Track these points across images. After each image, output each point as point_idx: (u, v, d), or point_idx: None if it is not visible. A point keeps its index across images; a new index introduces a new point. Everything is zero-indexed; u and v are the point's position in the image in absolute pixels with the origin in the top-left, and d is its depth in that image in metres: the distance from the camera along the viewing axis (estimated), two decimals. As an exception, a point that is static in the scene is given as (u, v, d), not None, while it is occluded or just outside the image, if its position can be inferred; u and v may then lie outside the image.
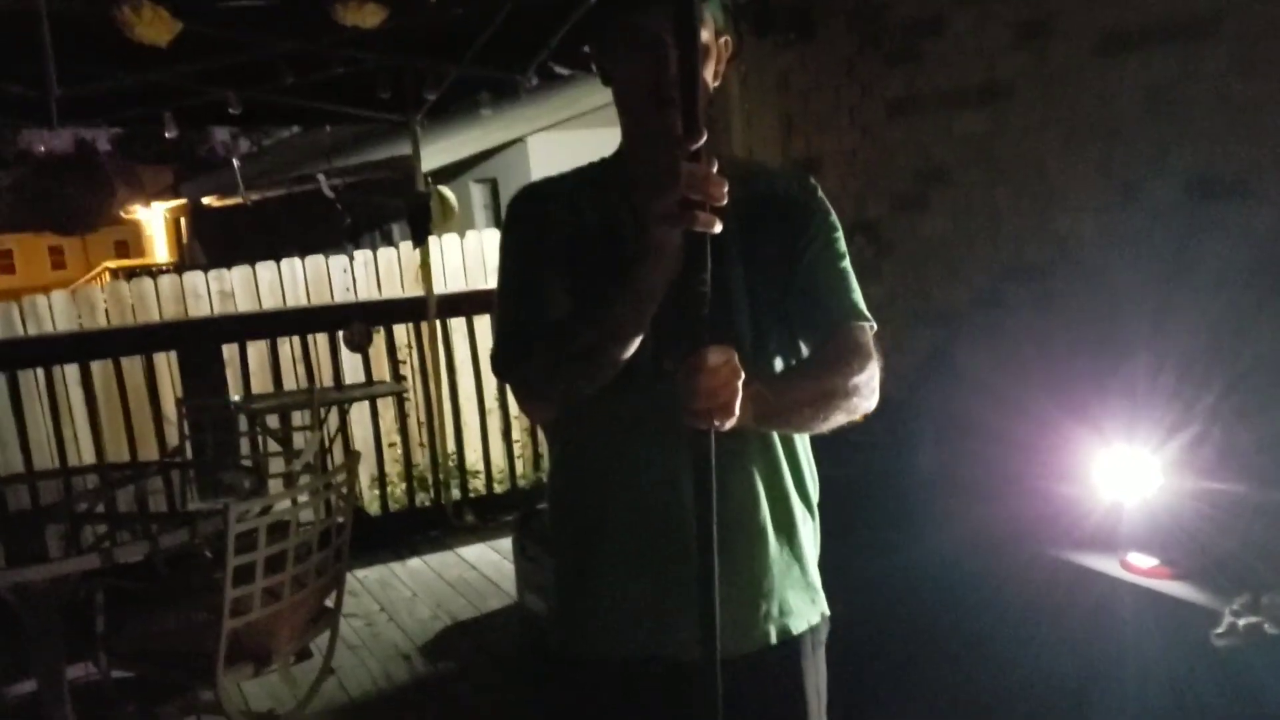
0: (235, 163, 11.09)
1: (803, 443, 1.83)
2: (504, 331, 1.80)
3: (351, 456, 3.51)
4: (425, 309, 5.96)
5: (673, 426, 1.52)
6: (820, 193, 1.83)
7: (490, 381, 6.28)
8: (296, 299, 7.54)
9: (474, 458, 6.42)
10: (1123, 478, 3.00)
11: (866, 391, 1.69)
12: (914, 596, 3.26)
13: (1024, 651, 2.89)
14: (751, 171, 1.84)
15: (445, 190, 5.76)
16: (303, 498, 3.37)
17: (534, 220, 1.81)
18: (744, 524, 1.75)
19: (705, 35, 1.65)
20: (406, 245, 7.34)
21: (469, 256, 7.98)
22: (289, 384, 6.27)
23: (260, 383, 6.16)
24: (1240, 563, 2.61)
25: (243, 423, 5.28)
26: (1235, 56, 2.99)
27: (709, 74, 1.69)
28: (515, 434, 6.48)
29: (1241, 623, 2.44)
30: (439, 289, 6.28)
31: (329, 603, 3.46)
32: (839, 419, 1.68)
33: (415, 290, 6.87)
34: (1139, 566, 2.85)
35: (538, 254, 1.77)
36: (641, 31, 1.66)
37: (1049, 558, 3.01)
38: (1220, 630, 2.47)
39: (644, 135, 1.75)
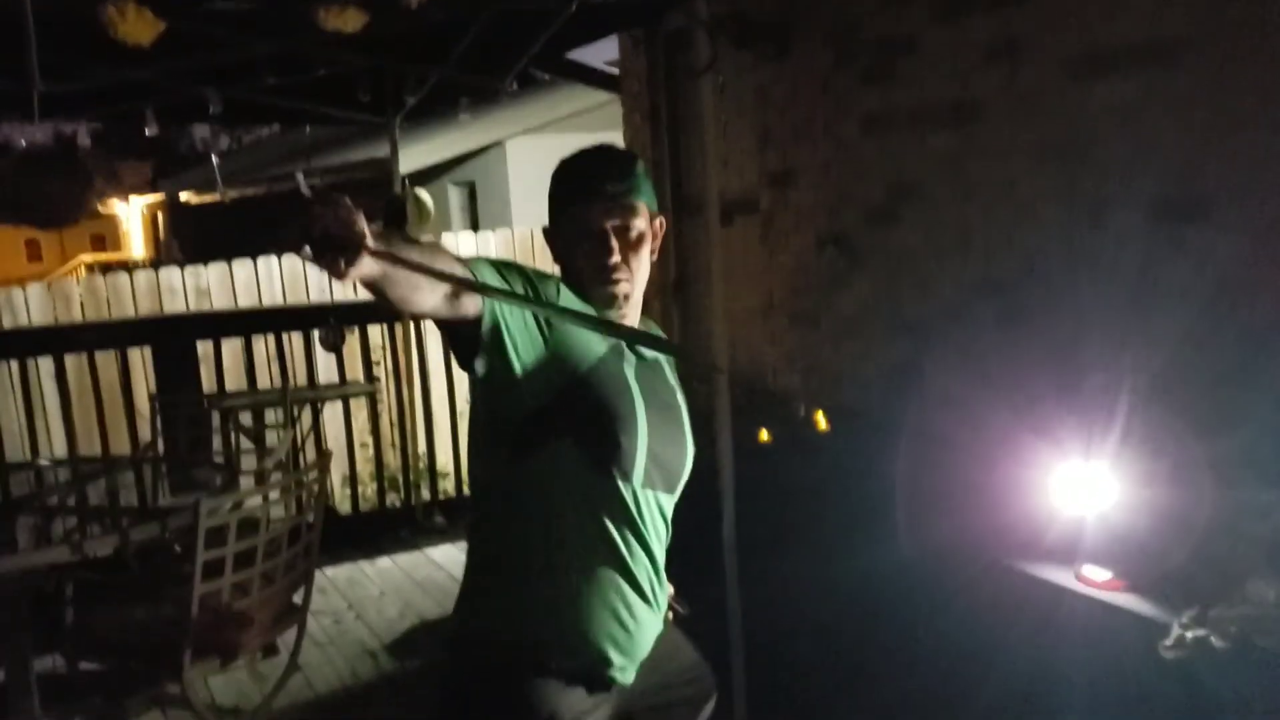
0: (214, 159, 11.04)
1: None
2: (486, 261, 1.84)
3: (323, 455, 3.54)
4: (401, 310, 5.96)
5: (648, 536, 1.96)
6: None
7: (462, 384, 6.29)
8: (272, 297, 7.55)
9: (444, 459, 6.44)
10: (1081, 491, 3.05)
11: None
12: (869, 601, 3.31)
13: (978, 660, 2.93)
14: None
15: (421, 192, 5.77)
16: (273, 495, 3.39)
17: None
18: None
19: (641, 224, 1.99)
20: (384, 246, 7.33)
21: (446, 259, 7.98)
22: (263, 382, 6.28)
23: (234, 380, 6.17)
24: (1189, 576, 2.67)
25: (215, 419, 5.29)
26: (1200, 82, 3.05)
27: (647, 252, 2.03)
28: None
29: (1189, 635, 2.49)
30: (415, 290, 6.29)
31: (297, 599, 3.48)
32: None
33: (391, 291, 6.87)
34: (1093, 579, 2.90)
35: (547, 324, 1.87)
36: (588, 222, 1.95)
37: (1006, 568, 3.06)
38: (1169, 643, 2.52)
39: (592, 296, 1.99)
